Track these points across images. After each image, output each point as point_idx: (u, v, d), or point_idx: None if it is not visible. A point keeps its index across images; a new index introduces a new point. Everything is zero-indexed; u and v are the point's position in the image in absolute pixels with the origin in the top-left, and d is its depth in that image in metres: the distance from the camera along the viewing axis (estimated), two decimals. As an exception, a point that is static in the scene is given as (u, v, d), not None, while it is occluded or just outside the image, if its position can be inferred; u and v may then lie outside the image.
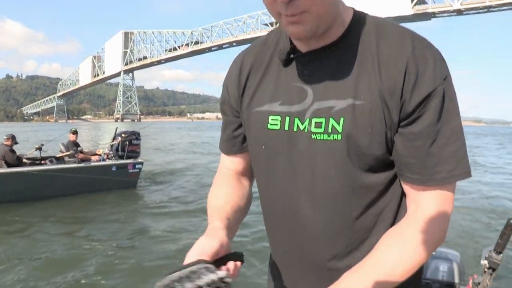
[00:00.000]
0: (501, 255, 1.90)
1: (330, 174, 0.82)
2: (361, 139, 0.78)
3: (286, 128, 0.86)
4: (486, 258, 1.94)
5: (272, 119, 0.88)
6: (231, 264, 0.76)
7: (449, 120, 0.77)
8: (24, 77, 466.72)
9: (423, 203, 0.80)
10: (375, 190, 0.84)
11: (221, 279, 0.68)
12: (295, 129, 0.85)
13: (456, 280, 2.24)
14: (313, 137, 0.82)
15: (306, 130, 0.83)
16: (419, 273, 0.98)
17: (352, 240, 0.87)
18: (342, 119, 0.79)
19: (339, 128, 0.79)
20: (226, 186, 1.02)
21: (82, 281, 4.75)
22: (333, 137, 0.80)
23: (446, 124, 0.77)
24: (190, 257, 0.72)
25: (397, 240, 0.79)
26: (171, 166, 16.08)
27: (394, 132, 0.79)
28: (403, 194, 0.87)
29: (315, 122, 0.82)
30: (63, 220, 7.66)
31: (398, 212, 0.88)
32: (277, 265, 1.03)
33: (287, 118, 0.86)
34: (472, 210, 8.13)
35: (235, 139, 1.03)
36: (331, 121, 0.80)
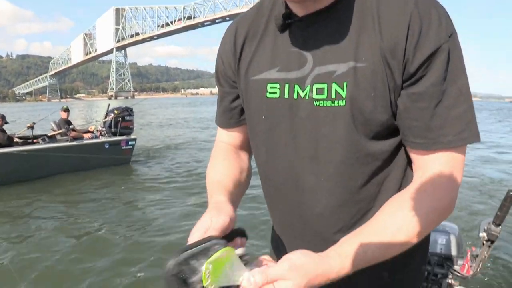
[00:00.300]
0: (500, 227, 1.89)
1: (334, 142, 0.79)
2: (365, 104, 0.75)
3: (286, 96, 0.83)
4: (484, 231, 1.94)
5: (270, 87, 0.85)
6: (238, 241, 0.74)
7: (456, 80, 0.73)
8: (14, 56, 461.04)
9: (430, 169, 0.76)
10: (380, 158, 0.81)
11: (241, 257, 0.65)
12: (295, 97, 0.82)
13: (454, 253, 2.22)
14: (315, 104, 0.79)
15: (307, 97, 0.80)
16: (426, 246, 0.98)
17: (356, 210, 0.84)
18: (345, 84, 0.76)
19: (343, 94, 0.76)
20: (224, 160, 0.99)
21: (77, 260, 4.73)
22: (337, 103, 0.77)
23: (452, 83, 0.72)
24: (195, 234, 0.70)
25: (400, 205, 0.75)
26: (165, 141, 16.00)
27: (398, 95, 0.76)
28: (408, 164, 0.84)
29: (317, 88, 0.79)
30: (56, 199, 7.62)
31: (402, 182, 0.85)
32: (280, 238, 1.01)
33: (287, 86, 0.83)
34: (469, 183, 8.11)
35: (232, 111, 0.99)
36: (334, 86, 0.77)
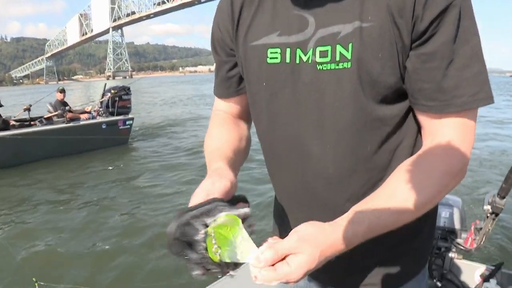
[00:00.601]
0: (505, 199, 1.87)
1: (340, 106, 0.75)
2: (373, 65, 0.71)
3: (288, 60, 0.80)
4: (489, 203, 1.94)
5: (271, 53, 0.81)
6: (241, 205, 0.71)
7: (468, 38, 0.68)
8: (8, 39, 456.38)
9: (441, 133, 0.73)
10: (390, 124, 0.77)
11: (244, 217, 0.63)
12: (297, 61, 0.78)
13: (458, 227, 2.22)
14: (318, 68, 0.75)
15: (310, 61, 0.77)
16: (434, 217, 0.96)
17: (367, 179, 0.81)
18: (350, 45, 0.72)
19: (348, 55, 0.72)
20: (222, 128, 0.97)
21: (75, 241, 4.74)
22: (342, 65, 0.73)
23: (464, 43, 0.68)
24: (196, 197, 0.69)
25: (412, 170, 0.71)
26: (164, 120, 15.98)
27: (406, 57, 0.71)
28: (419, 131, 0.81)
29: (320, 51, 0.75)
30: (54, 181, 7.60)
31: (413, 149, 0.81)
32: (284, 212, 0.98)
33: (288, 50, 0.79)
34: (473, 155, 8.05)
35: (230, 80, 0.97)
36: (339, 48, 0.73)
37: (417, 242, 0.90)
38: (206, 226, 0.60)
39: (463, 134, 0.72)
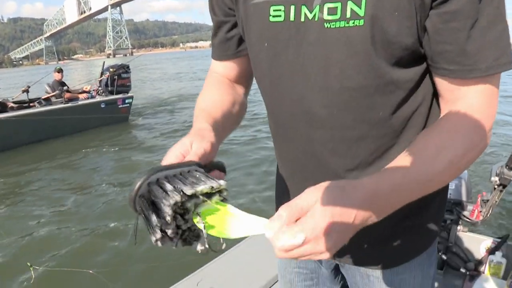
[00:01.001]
0: None
1: (349, 68, 0.69)
2: (388, 23, 0.65)
3: (292, 18, 0.73)
4: (497, 175, 1.91)
5: (274, 10, 0.75)
6: (216, 174, 0.69)
7: None
8: (5, 20, 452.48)
9: (463, 99, 0.68)
10: (404, 88, 0.72)
11: (220, 189, 0.58)
12: (302, 19, 0.72)
13: (464, 198, 2.17)
14: (326, 26, 0.69)
15: (316, 19, 0.70)
16: (446, 188, 0.93)
17: (377, 146, 0.76)
18: (364, 1, 0.65)
19: (361, 12, 0.66)
20: (217, 90, 0.92)
21: (74, 224, 4.75)
22: (353, 23, 0.67)
23: (489, 1, 0.61)
24: (170, 156, 0.66)
25: (436, 137, 0.66)
26: (165, 97, 15.87)
27: (426, 17, 0.65)
28: (434, 97, 0.76)
29: (328, 8, 0.69)
30: (55, 162, 7.61)
31: (428, 117, 0.77)
32: (286, 179, 0.94)
33: (292, 7, 0.73)
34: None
35: (229, 42, 0.91)
36: (350, 4, 0.66)
37: (429, 215, 0.87)
38: (180, 194, 0.54)
39: (487, 100, 0.67)
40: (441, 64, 0.67)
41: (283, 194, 0.98)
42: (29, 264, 1.94)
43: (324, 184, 0.57)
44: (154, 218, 0.54)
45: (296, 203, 0.55)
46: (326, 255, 0.55)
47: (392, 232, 0.85)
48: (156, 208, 0.55)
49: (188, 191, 0.54)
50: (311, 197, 0.55)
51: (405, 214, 0.81)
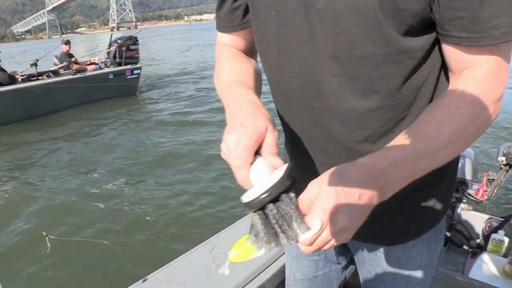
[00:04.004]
0: None
1: (357, 34, 0.67)
2: None
3: None
4: (504, 155, 1.90)
5: None
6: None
7: None
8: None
9: (473, 68, 0.64)
10: (415, 57, 0.69)
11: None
12: None
13: (469, 177, 2.19)
14: None
15: None
16: (456, 163, 0.91)
17: (387, 117, 0.74)
18: None
19: None
20: (237, 62, 0.87)
21: (95, 191, 4.85)
22: None
23: None
24: (246, 140, 0.59)
25: (438, 106, 0.65)
26: (173, 69, 15.77)
27: None
28: (442, 67, 0.73)
29: None
30: (64, 134, 7.68)
31: (436, 89, 0.75)
32: (295, 152, 0.92)
33: None
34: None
35: (235, 13, 0.87)
36: None
37: (438, 191, 0.86)
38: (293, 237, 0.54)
39: (497, 70, 0.64)
40: (452, 32, 0.64)
41: (290, 160, 0.97)
42: (44, 233, 2.00)
43: (326, 172, 0.58)
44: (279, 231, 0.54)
45: (303, 197, 0.56)
46: (346, 235, 0.56)
47: (400, 207, 0.84)
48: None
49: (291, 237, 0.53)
50: (315, 186, 0.56)
51: (414, 189, 0.79)
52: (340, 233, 0.55)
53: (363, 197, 0.56)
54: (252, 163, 0.59)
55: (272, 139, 0.61)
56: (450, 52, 0.67)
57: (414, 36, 0.67)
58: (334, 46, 0.69)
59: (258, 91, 0.81)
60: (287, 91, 0.81)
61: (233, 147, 0.59)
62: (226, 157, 0.61)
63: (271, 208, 0.54)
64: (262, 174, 0.57)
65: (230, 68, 0.84)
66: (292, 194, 0.55)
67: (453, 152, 0.65)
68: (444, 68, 0.73)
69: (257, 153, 0.60)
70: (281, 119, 0.90)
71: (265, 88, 0.88)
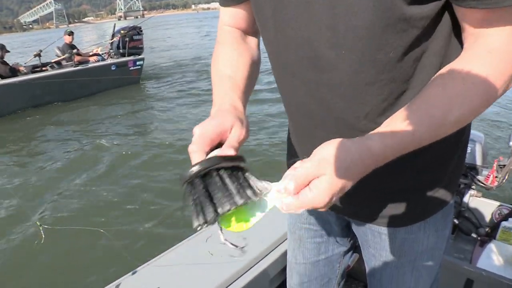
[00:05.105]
0: None
1: (356, 4, 0.63)
2: None
3: None
4: None
5: None
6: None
7: None
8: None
9: (488, 34, 0.60)
10: (418, 26, 0.64)
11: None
12: None
13: (479, 163, 2.14)
14: None
15: None
16: (466, 141, 0.88)
17: (388, 91, 0.71)
18: None
19: None
20: (235, 50, 0.87)
21: (90, 181, 4.83)
22: None
23: None
24: (208, 132, 0.64)
25: (453, 75, 0.61)
26: (177, 59, 15.62)
27: None
28: (450, 37, 0.69)
29: None
30: (66, 126, 7.68)
31: (443, 60, 0.70)
32: (296, 128, 0.92)
33: None
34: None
35: None
36: None
37: (446, 171, 0.83)
38: (233, 204, 0.57)
39: None
40: None
41: (293, 136, 0.96)
42: (38, 223, 1.98)
43: (325, 153, 0.58)
44: (208, 207, 0.57)
45: (297, 175, 0.57)
46: (324, 200, 0.56)
47: (404, 188, 0.82)
48: (208, 196, 0.58)
49: (240, 201, 0.57)
50: (313, 165, 0.57)
51: (419, 169, 0.79)
52: (318, 206, 0.57)
53: (358, 175, 0.58)
54: (207, 152, 0.62)
55: (235, 136, 0.65)
56: (465, 17, 0.62)
57: (419, 4, 0.61)
58: (331, 16, 0.66)
59: (250, 86, 0.84)
60: (286, 66, 0.79)
61: (195, 132, 0.64)
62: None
63: (198, 183, 0.58)
64: None
65: (228, 60, 0.84)
66: (224, 172, 0.58)
67: (463, 125, 0.62)
68: (454, 35, 0.68)
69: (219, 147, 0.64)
70: (282, 94, 0.88)
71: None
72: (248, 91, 0.83)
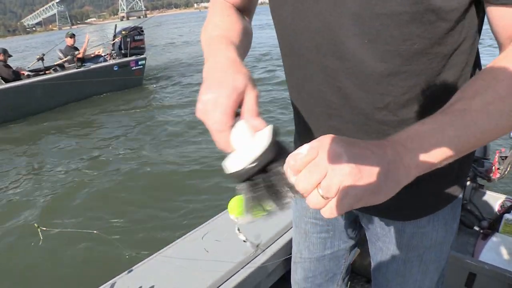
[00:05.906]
0: None
1: None
2: None
3: None
4: None
5: None
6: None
7: None
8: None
9: None
10: (446, 19, 0.61)
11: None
12: None
13: (480, 154, 2.12)
14: None
15: None
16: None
17: (411, 85, 0.68)
18: None
19: None
20: (227, 17, 0.80)
21: (89, 184, 4.83)
22: None
23: None
24: (224, 99, 0.54)
25: (497, 76, 0.54)
26: (180, 58, 15.70)
27: None
28: (476, 37, 0.67)
29: None
30: (70, 128, 7.69)
31: (469, 58, 0.68)
32: (307, 118, 0.85)
33: None
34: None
35: None
36: None
37: (457, 164, 0.78)
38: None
39: None
40: None
41: (304, 126, 0.90)
42: (36, 225, 1.97)
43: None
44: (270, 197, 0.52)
45: (310, 147, 0.49)
46: (341, 180, 0.45)
47: (418, 180, 0.77)
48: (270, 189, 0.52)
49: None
50: (327, 139, 0.49)
51: None
52: (331, 173, 0.46)
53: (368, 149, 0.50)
54: (232, 125, 0.54)
55: (252, 98, 0.56)
56: (496, 15, 0.58)
57: None
58: (354, 2, 0.63)
59: (243, 48, 0.74)
60: (302, 51, 0.75)
61: (211, 108, 0.53)
62: (204, 118, 0.55)
63: (258, 180, 0.51)
64: (245, 138, 0.53)
65: (218, 22, 0.77)
66: (277, 165, 0.51)
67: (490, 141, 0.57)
68: (478, 37, 0.67)
69: (237, 114, 0.56)
70: (293, 83, 0.84)
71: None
72: (243, 54, 0.74)
